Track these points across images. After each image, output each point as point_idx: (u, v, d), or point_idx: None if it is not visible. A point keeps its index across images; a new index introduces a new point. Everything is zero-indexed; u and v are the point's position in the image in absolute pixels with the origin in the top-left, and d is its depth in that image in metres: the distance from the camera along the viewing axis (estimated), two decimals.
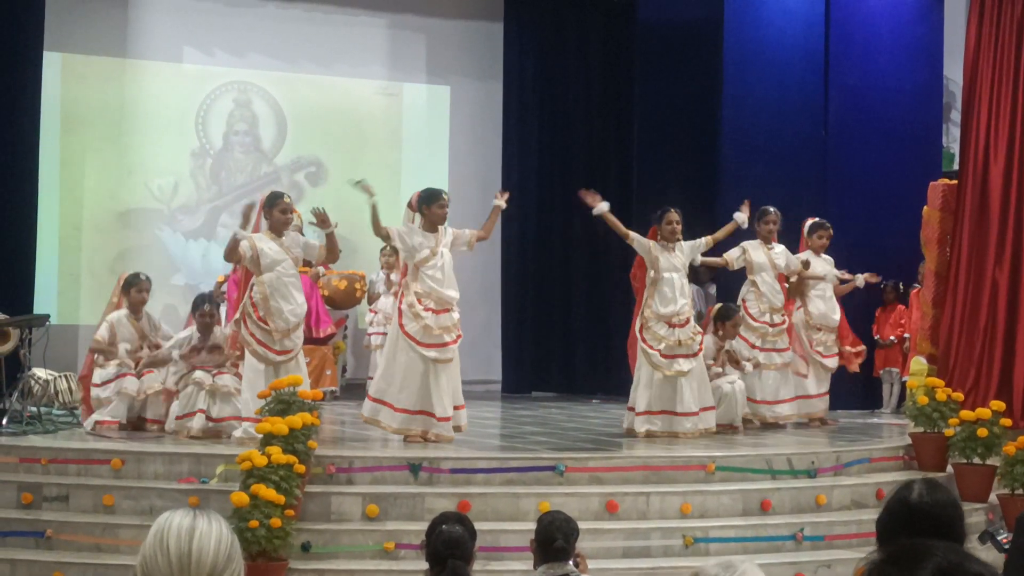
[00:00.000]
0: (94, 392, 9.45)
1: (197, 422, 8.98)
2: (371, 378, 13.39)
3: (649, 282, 9.81)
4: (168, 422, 9.21)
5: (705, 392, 9.80)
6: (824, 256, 11.18)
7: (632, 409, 9.76)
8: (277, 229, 8.98)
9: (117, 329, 9.62)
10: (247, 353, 8.84)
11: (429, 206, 8.98)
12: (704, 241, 10.11)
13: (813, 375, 11.01)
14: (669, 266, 9.78)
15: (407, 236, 8.94)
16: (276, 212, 8.96)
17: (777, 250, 10.84)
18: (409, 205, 9.19)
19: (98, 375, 9.47)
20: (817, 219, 11.24)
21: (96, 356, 9.58)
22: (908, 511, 3.16)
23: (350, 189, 9.14)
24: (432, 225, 9.00)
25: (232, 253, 8.97)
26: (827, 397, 11.14)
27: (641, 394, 9.65)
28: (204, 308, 9.47)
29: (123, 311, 9.71)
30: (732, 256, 10.72)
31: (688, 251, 9.97)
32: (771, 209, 10.85)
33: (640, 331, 9.72)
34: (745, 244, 10.78)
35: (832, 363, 11.10)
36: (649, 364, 9.62)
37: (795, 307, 11.06)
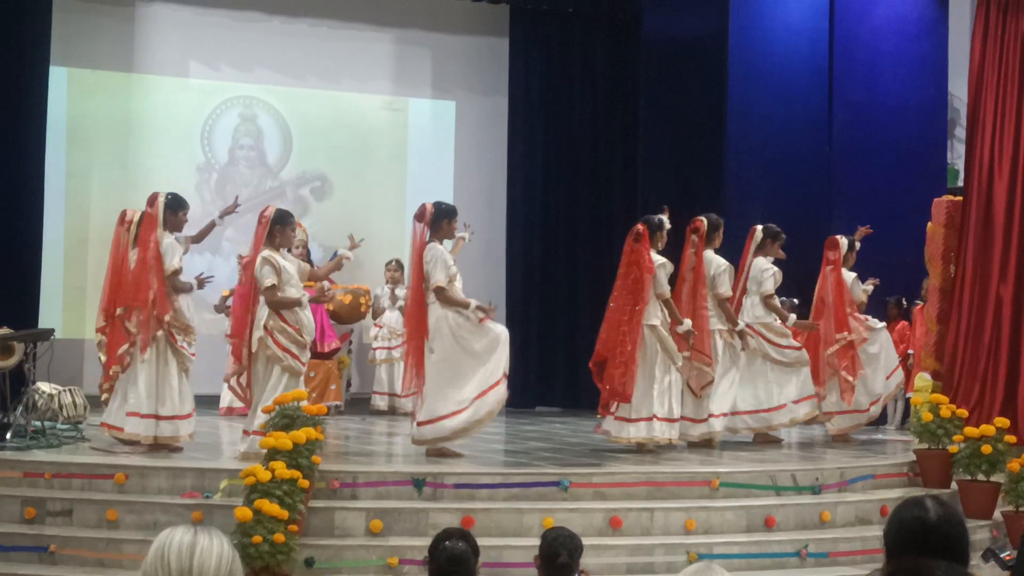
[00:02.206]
0: None
1: None
2: (376, 392, 13.47)
3: (660, 295, 9.77)
4: None
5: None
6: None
7: (654, 418, 9.70)
8: (286, 246, 9.12)
9: None
10: (276, 368, 8.68)
11: (451, 221, 9.16)
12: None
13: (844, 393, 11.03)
14: None
15: (450, 258, 9.08)
16: (288, 230, 9.03)
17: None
18: (417, 217, 9.20)
19: None
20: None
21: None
22: (924, 529, 3.14)
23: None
24: (441, 241, 9.13)
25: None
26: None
27: (658, 401, 9.64)
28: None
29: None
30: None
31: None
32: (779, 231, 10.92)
33: (673, 332, 9.72)
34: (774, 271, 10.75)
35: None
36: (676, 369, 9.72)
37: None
